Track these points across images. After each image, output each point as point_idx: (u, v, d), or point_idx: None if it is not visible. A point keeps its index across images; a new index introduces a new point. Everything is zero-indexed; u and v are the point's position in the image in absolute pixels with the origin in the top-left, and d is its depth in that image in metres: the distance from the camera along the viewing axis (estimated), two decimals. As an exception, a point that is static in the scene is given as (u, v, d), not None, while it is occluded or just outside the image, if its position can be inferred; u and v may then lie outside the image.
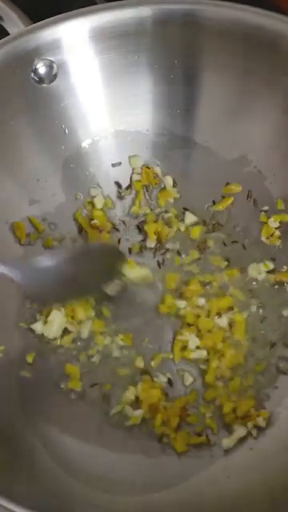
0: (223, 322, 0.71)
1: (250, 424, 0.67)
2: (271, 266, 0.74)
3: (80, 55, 0.74)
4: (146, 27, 0.73)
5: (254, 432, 0.67)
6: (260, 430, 0.67)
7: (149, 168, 0.78)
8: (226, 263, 0.75)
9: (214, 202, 0.77)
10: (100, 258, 0.71)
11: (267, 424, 0.67)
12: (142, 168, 0.78)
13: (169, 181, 0.78)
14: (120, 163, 0.78)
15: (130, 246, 0.76)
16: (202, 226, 0.76)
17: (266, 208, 0.76)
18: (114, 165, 0.78)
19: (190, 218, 0.76)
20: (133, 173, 0.78)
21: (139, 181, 0.77)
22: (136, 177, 0.78)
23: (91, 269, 0.69)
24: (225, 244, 0.75)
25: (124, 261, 0.72)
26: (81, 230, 0.76)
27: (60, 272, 0.67)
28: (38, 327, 0.71)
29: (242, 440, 0.67)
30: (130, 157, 0.77)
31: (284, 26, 0.71)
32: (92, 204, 0.77)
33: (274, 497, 0.62)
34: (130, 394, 0.68)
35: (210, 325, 0.71)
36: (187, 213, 0.76)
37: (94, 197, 0.77)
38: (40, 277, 0.66)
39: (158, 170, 0.78)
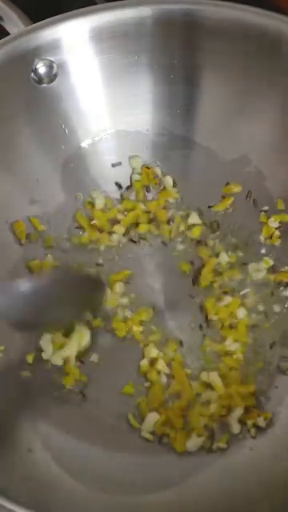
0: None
1: (249, 422, 0.67)
2: (271, 262, 0.74)
3: (80, 55, 0.74)
4: (146, 27, 0.73)
5: (253, 431, 0.67)
6: (260, 430, 0.67)
7: (149, 168, 0.78)
8: (225, 263, 0.74)
9: (212, 203, 0.77)
10: (81, 287, 0.69)
11: (267, 424, 0.67)
12: (142, 168, 0.78)
13: (169, 181, 0.78)
14: (120, 163, 0.78)
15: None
16: (202, 225, 0.76)
17: (265, 208, 0.76)
18: (114, 165, 0.78)
19: (193, 218, 0.76)
20: (133, 173, 0.78)
21: (139, 181, 0.77)
22: (136, 177, 0.78)
23: (71, 297, 0.67)
24: (225, 244, 0.75)
25: (105, 294, 0.71)
26: (81, 230, 0.76)
27: (40, 297, 0.64)
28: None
29: (241, 440, 0.67)
30: (130, 157, 0.77)
31: (284, 26, 0.71)
32: (92, 204, 0.77)
33: (274, 497, 0.62)
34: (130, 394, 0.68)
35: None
36: (193, 214, 0.76)
37: (95, 197, 0.77)
38: (21, 301, 0.63)
39: (157, 170, 0.78)
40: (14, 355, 0.69)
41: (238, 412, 0.67)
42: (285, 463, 0.64)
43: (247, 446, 0.66)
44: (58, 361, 0.69)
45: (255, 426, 0.67)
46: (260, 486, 0.63)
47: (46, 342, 0.69)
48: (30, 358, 0.69)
